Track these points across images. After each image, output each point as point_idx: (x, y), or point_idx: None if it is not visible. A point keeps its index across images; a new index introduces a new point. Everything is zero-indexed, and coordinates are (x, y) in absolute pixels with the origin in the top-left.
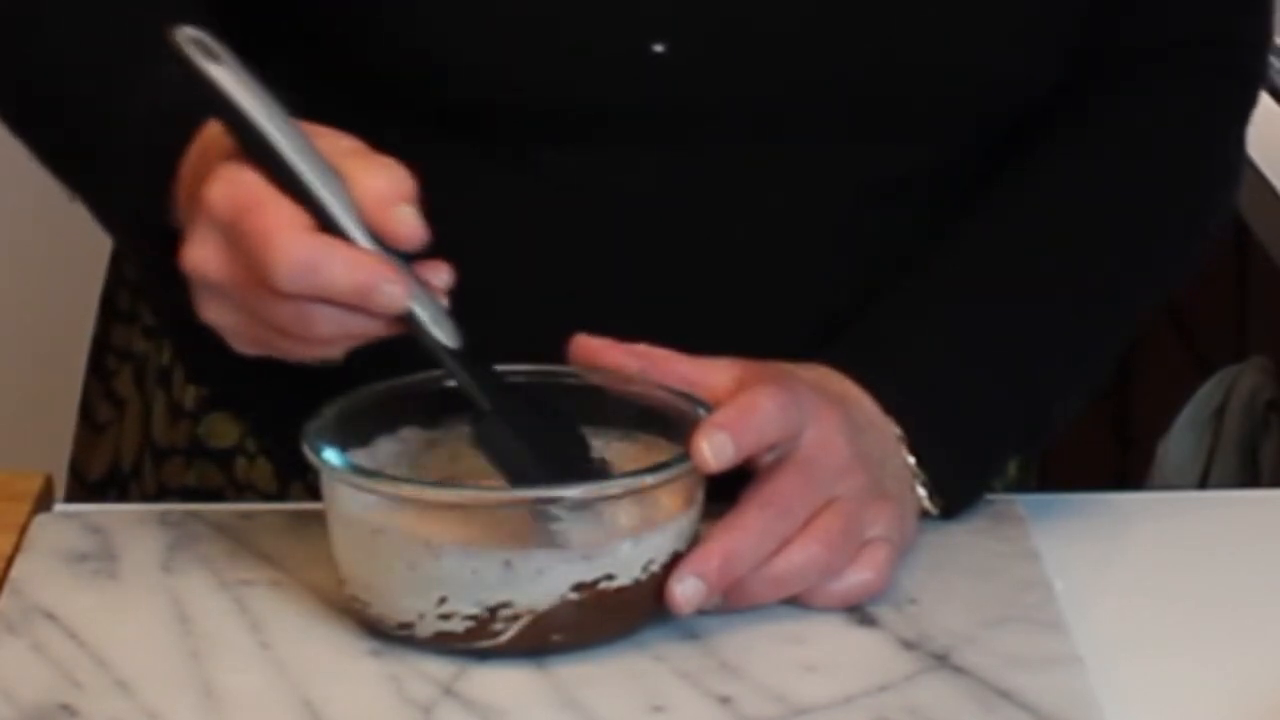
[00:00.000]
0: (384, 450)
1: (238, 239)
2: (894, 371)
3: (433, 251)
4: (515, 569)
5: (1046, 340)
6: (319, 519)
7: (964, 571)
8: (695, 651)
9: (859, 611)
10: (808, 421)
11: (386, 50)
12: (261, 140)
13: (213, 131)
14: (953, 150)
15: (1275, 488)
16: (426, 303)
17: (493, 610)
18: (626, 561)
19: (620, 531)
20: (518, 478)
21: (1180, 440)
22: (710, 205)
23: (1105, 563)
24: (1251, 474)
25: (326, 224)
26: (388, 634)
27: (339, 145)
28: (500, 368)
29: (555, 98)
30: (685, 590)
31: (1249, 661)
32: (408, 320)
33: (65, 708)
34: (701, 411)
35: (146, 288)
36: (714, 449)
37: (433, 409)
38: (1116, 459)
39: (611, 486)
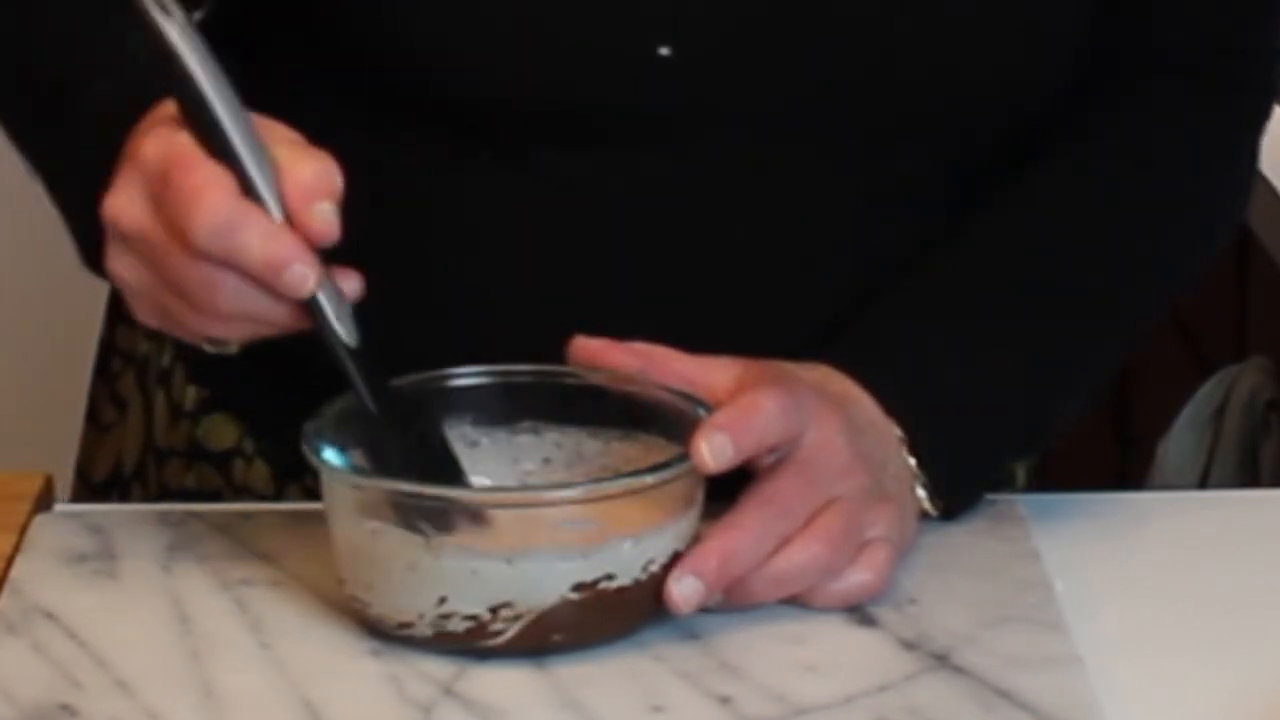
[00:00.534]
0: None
1: (162, 192)
2: (895, 373)
3: (435, 251)
4: (515, 569)
5: (1048, 343)
6: (319, 519)
7: (964, 571)
8: (695, 651)
9: (859, 611)
10: (808, 422)
11: (390, 50)
12: (200, 101)
13: (164, 110)
14: (956, 157)
15: (1275, 488)
16: (332, 297)
17: (493, 610)
18: (626, 561)
19: (620, 531)
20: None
21: (1180, 440)
22: (711, 207)
23: (1105, 563)
24: (1251, 474)
25: (250, 196)
26: (388, 634)
27: (277, 133)
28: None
29: (560, 99)
30: (684, 590)
31: (1249, 661)
32: (312, 310)
33: (65, 708)
34: (701, 411)
35: None
36: (713, 450)
37: (432, 409)
38: (1116, 459)
39: (612, 486)
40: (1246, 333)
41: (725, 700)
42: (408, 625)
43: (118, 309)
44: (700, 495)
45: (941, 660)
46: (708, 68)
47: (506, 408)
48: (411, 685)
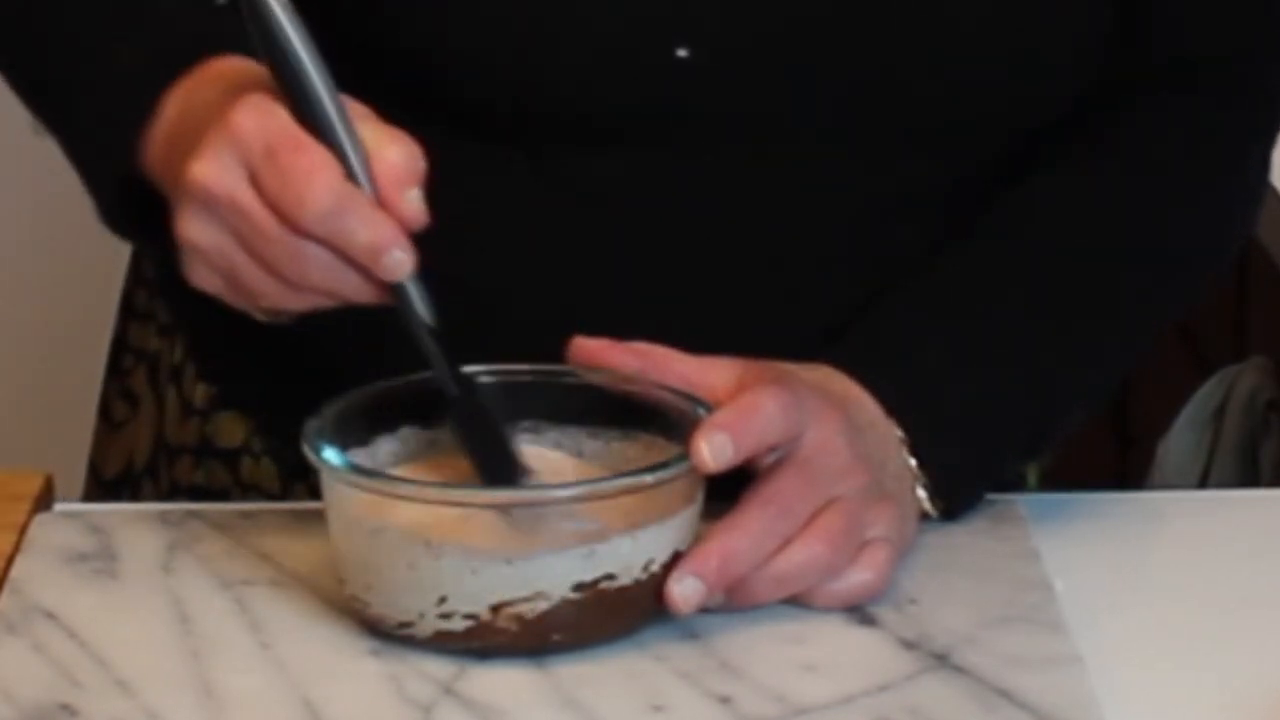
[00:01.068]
0: (384, 450)
1: (265, 166)
2: (896, 373)
3: (444, 248)
4: (515, 569)
5: (1050, 346)
6: (319, 519)
7: (964, 571)
8: (695, 651)
9: (859, 611)
10: (809, 422)
11: (405, 50)
12: (302, 79)
13: (209, 72)
14: (967, 166)
15: (1275, 488)
16: (417, 281)
17: (493, 610)
18: (627, 561)
19: (620, 531)
20: (483, 464)
21: (1180, 440)
22: (721, 208)
23: (1105, 563)
24: (1251, 474)
25: (350, 178)
26: (388, 634)
27: (358, 109)
28: (482, 367)
29: (577, 100)
30: (684, 590)
31: (1249, 661)
32: (398, 294)
33: (65, 708)
34: (701, 411)
35: (162, 283)
36: (713, 450)
37: (432, 409)
38: (1116, 459)
39: (612, 486)
40: (1246, 333)
41: (725, 700)
42: (408, 625)
43: (131, 305)
44: (700, 495)
45: (941, 660)
46: (725, 71)
47: (507, 407)
48: (411, 685)
